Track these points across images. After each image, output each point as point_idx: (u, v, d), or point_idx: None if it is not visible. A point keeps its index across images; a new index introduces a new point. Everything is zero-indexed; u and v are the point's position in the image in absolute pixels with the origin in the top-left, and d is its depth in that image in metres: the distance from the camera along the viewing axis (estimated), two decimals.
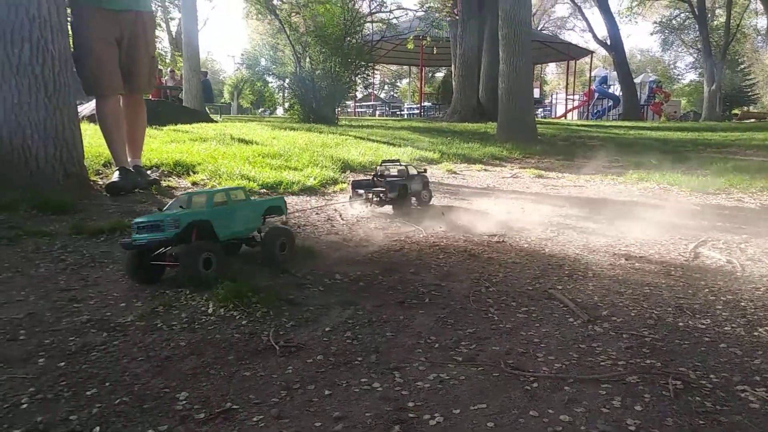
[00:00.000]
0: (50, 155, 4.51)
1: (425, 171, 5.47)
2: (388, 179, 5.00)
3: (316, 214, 4.86)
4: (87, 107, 9.63)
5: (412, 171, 5.25)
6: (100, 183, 5.23)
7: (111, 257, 3.32)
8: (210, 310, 2.57)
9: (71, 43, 4.87)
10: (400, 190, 4.89)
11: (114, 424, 1.70)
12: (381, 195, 4.87)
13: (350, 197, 5.05)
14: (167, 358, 2.13)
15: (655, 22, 45.37)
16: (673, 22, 44.34)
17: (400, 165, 5.21)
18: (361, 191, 4.96)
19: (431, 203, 5.35)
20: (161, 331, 2.37)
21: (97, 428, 1.68)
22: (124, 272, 2.98)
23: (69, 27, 4.84)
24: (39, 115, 4.43)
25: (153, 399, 1.84)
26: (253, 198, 3.57)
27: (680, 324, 2.55)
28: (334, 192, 6.05)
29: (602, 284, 3.13)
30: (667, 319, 2.62)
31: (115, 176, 5.04)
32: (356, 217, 4.74)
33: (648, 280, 3.22)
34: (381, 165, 5.34)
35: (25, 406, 1.79)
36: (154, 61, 5.49)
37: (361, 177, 6.25)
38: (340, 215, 4.81)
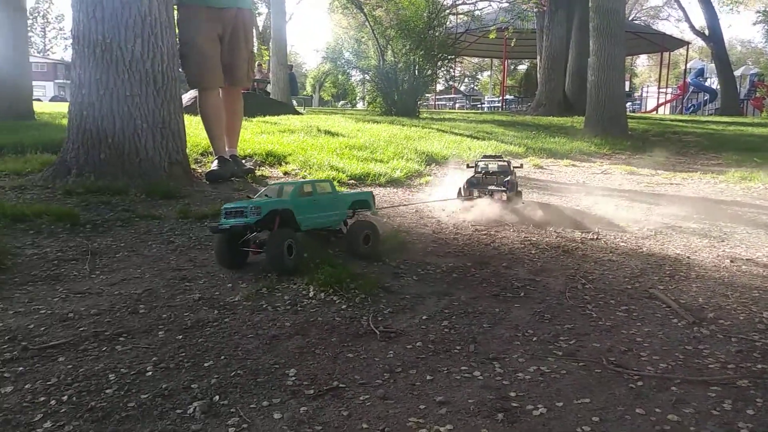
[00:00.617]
0: (158, 144, 4.80)
1: (521, 166, 5.34)
2: (504, 178, 4.89)
3: (404, 206, 4.91)
4: (185, 97, 10.13)
5: (511, 166, 5.13)
6: (200, 171, 5.51)
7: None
8: (311, 294, 2.68)
9: (177, 39, 5.15)
10: (515, 189, 4.80)
11: (232, 394, 1.82)
12: (499, 195, 4.74)
13: (459, 193, 4.89)
14: (274, 336, 2.25)
15: (758, 11, 42.32)
16: None
17: (502, 160, 5.12)
18: (474, 189, 4.87)
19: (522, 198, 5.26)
20: (267, 312, 2.49)
21: (217, 397, 1.80)
22: (214, 255, 3.10)
23: (176, 24, 5.12)
24: (148, 106, 4.72)
25: (265, 374, 1.95)
26: (341, 191, 3.61)
27: None
28: (420, 184, 6.09)
29: (706, 286, 3.00)
30: None
31: (215, 165, 5.31)
32: (446, 210, 4.74)
33: (756, 284, 3.05)
34: (480, 160, 5.25)
35: (150, 373, 1.94)
36: (253, 56, 5.72)
37: (455, 170, 6.21)
38: (432, 209, 4.85)
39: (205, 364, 2.01)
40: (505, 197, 4.71)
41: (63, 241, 3.34)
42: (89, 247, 3.26)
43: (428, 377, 1.95)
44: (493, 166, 5.05)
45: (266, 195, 3.27)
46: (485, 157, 5.38)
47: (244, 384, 1.88)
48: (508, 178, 4.88)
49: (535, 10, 19.02)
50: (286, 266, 2.88)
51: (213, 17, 5.18)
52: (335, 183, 5.34)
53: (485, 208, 4.61)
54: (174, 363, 2.01)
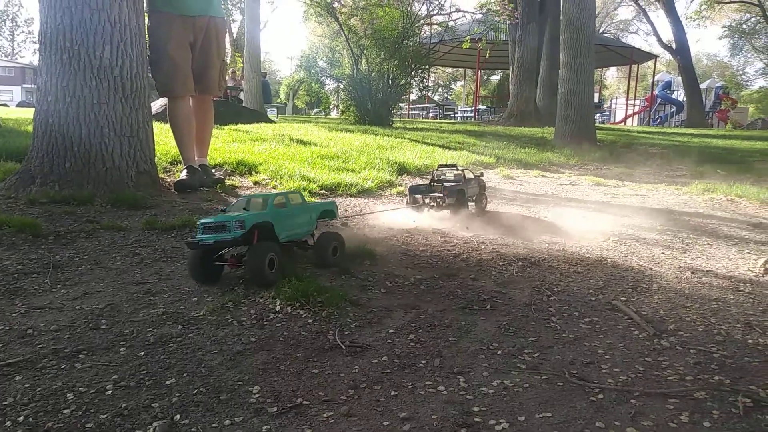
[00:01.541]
0: (125, 153, 4.73)
1: (482, 174, 5.47)
2: (446, 184, 5.02)
3: (373, 217, 4.92)
4: (155, 105, 10.01)
5: (469, 175, 5.25)
6: (169, 180, 5.45)
7: (182, 253, 3.47)
8: (277, 308, 2.66)
9: (148, 46, 5.09)
10: (458, 196, 4.90)
11: (193, 413, 1.80)
12: (438, 200, 4.89)
13: (407, 202, 5.07)
14: (239, 352, 2.23)
15: (724, 26, 43.64)
16: (743, 26, 42.53)
17: (457, 169, 5.21)
18: (418, 196, 4.99)
19: (487, 209, 5.34)
20: (232, 326, 2.47)
21: (178, 416, 1.78)
22: (187, 271, 3.07)
23: (146, 31, 5.07)
24: (116, 114, 4.65)
25: (228, 391, 1.93)
26: (309, 201, 3.65)
27: (750, 341, 2.49)
28: (391, 195, 6.11)
29: (668, 297, 3.07)
30: (735, 335, 2.56)
31: (183, 174, 5.25)
32: (414, 221, 4.77)
33: (715, 295, 3.13)
34: (438, 169, 5.36)
35: (109, 392, 1.91)
36: (224, 64, 5.68)
37: (418, 181, 6.28)
38: (398, 219, 4.87)
39: (167, 382, 1.98)
40: (444, 203, 4.85)
41: (24, 253, 3.27)
42: (51, 259, 3.20)
43: (393, 393, 1.95)
44: (449, 174, 5.15)
45: (243, 208, 3.20)
46: (441, 166, 5.49)
47: (206, 402, 1.86)
48: (449, 184, 5.00)
49: (507, 21, 19.28)
50: (268, 280, 2.87)
51: (184, 24, 5.14)
52: (306, 193, 5.35)
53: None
54: (135, 381, 1.98)
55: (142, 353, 2.19)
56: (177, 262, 3.32)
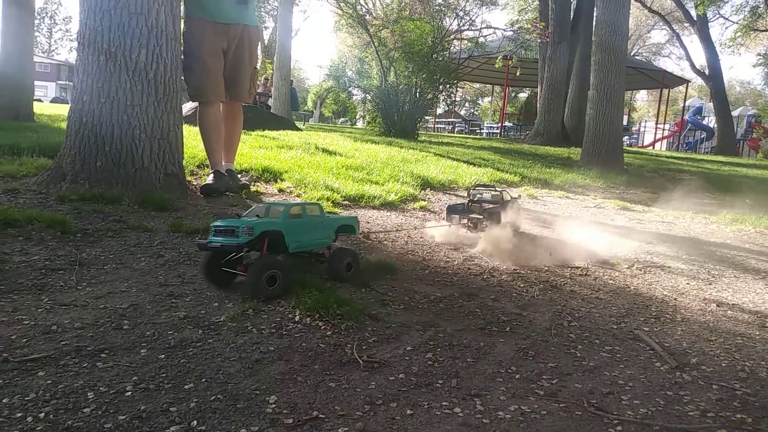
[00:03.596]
0: (154, 155, 4.81)
1: (519, 197, 5.44)
2: (485, 207, 4.98)
3: (397, 231, 4.93)
4: (185, 108, 10.17)
5: (507, 197, 5.22)
6: (195, 183, 5.52)
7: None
8: (297, 318, 2.67)
9: (182, 51, 5.19)
10: (496, 219, 4.86)
11: (210, 420, 1.81)
12: (476, 222, 4.86)
13: (445, 220, 5.06)
14: (257, 361, 2.24)
15: (758, 54, 42.97)
16: None
17: (495, 190, 5.19)
18: (455, 216, 4.98)
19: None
20: (251, 334, 2.49)
21: (195, 422, 1.79)
22: (199, 272, 3.12)
23: (182, 36, 5.16)
24: (148, 116, 4.74)
25: (245, 399, 1.94)
26: (328, 215, 3.64)
27: None
28: (414, 209, 6.11)
29: (691, 330, 3.01)
30: (760, 373, 2.50)
31: (210, 179, 5.32)
32: (438, 238, 4.76)
33: (741, 330, 3.07)
34: (474, 188, 5.34)
35: (129, 393, 1.93)
36: (256, 72, 5.76)
37: (447, 199, 6.28)
38: (423, 236, 4.86)
39: (186, 387, 1.99)
40: (484, 225, 4.82)
41: (52, 249, 3.33)
42: (78, 257, 3.25)
43: (408, 411, 1.94)
44: (487, 195, 5.12)
45: (256, 215, 3.25)
46: (478, 185, 5.46)
47: (223, 409, 1.87)
48: (489, 206, 4.96)
49: (538, 40, 19.25)
50: (264, 296, 2.86)
51: (219, 31, 5.23)
52: (329, 203, 5.38)
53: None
54: (154, 384, 2.00)
55: (163, 356, 2.21)
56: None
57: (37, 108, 13.09)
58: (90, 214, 4.03)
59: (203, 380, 2.05)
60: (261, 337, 2.46)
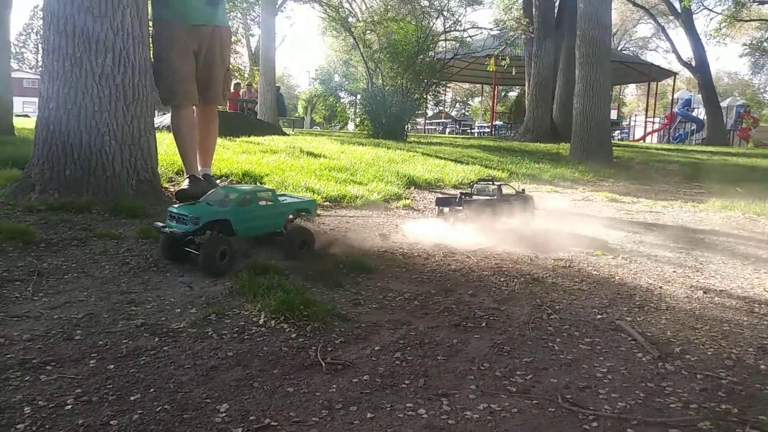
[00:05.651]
0: (125, 161, 4.68)
1: (523, 191, 5.38)
2: (474, 198, 4.99)
3: (377, 228, 4.80)
4: (167, 117, 10.04)
5: (508, 190, 5.17)
6: (172, 190, 5.39)
7: (171, 262, 3.38)
8: (261, 321, 2.55)
9: (151, 54, 5.06)
10: (478, 210, 4.85)
11: None
12: (461, 214, 4.91)
13: (437, 214, 5.14)
14: (213, 367, 2.11)
15: (744, 44, 43.14)
16: (765, 44, 41.94)
17: (494, 183, 5.14)
18: (445, 209, 5.04)
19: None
20: (211, 340, 2.36)
21: None
22: (158, 250, 3.44)
23: (151, 40, 5.04)
24: (117, 122, 4.61)
25: (194, 409, 1.82)
26: (287, 197, 3.92)
27: (762, 367, 2.32)
28: (397, 207, 5.99)
29: (676, 318, 2.90)
30: (747, 360, 2.38)
31: (185, 184, 5.16)
32: (418, 233, 4.64)
33: (728, 317, 2.96)
34: (477, 183, 5.32)
35: (69, 407, 1.80)
36: (229, 74, 5.63)
37: (439, 194, 6.27)
38: (403, 232, 4.74)
39: (132, 398, 1.87)
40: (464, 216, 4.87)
41: (11, 260, 3.20)
42: (38, 267, 3.12)
43: (369, 415, 1.82)
44: (486, 188, 5.16)
45: (208, 201, 3.44)
46: (479, 180, 5.46)
47: (168, 421, 1.74)
48: (478, 198, 4.99)
49: (523, 37, 19.20)
50: (217, 270, 3.16)
51: (189, 34, 5.08)
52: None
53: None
54: (98, 396, 1.87)
55: (112, 366, 2.08)
56: (166, 273, 3.23)
57: (23, 123, 12.95)
58: (57, 224, 3.90)
59: (152, 390, 1.92)
60: (221, 343, 2.33)
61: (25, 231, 3.59)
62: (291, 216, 3.75)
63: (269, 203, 3.57)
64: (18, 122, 11.14)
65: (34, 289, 2.83)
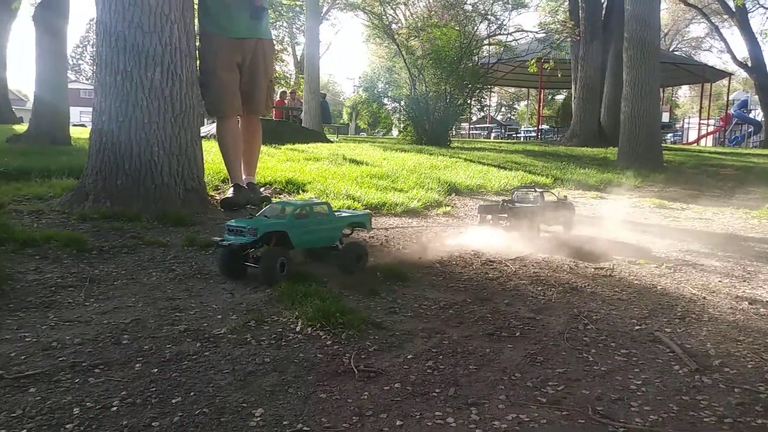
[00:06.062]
0: (173, 171, 4.86)
1: (565, 197, 5.36)
2: (517, 205, 4.98)
3: (415, 235, 4.84)
4: (214, 126, 10.33)
5: (550, 197, 5.15)
6: (218, 198, 5.56)
7: (216, 269, 3.50)
8: (298, 328, 2.62)
9: (198, 67, 5.25)
10: (519, 217, 4.83)
11: None
12: (504, 222, 4.90)
13: (479, 221, 5.14)
14: (251, 372, 2.19)
15: None
16: None
17: (535, 191, 5.13)
18: (488, 216, 5.05)
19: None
20: (249, 346, 2.44)
21: None
22: (216, 265, 3.45)
23: (197, 53, 5.23)
24: (165, 133, 4.80)
25: (230, 413, 1.89)
26: (342, 210, 4.03)
27: None
28: (437, 215, 6.01)
29: (718, 330, 2.83)
30: None
31: (230, 192, 5.35)
32: (457, 241, 4.66)
33: None
34: (518, 190, 5.32)
35: (114, 409, 1.90)
36: (272, 85, 5.79)
37: (481, 202, 6.28)
38: (442, 239, 4.76)
39: (173, 401, 1.96)
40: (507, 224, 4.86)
41: (65, 267, 3.38)
42: (90, 273, 3.29)
43: (398, 422, 1.86)
44: (527, 195, 5.16)
45: (264, 215, 3.50)
46: (520, 187, 5.48)
47: (206, 423, 1.82)
48: (521, 206, 4.96)
49: (569, 39, 18.89)
50: (277, 280, 3.16)
51: (233, 46, 5.28)
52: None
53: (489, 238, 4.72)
54: (141, 398, 1.97)
55: (156, 370, 2.19)
56: (209, 279, 3.35)
57: (79, 133, 13.53)
58: (108, 232, 4.08)
59: (192, 394, 2.01)
60: (259, 349, 2.42)
61: (79, 239, 3.78)
62: (347, 231, 3.76)
63: (325, 217, 3.59)
64: (74, 131, 11.61)
65: (85, 295, 2.99)
